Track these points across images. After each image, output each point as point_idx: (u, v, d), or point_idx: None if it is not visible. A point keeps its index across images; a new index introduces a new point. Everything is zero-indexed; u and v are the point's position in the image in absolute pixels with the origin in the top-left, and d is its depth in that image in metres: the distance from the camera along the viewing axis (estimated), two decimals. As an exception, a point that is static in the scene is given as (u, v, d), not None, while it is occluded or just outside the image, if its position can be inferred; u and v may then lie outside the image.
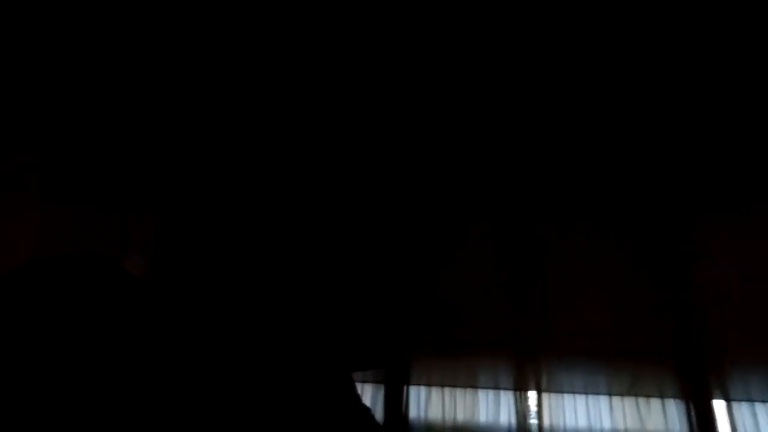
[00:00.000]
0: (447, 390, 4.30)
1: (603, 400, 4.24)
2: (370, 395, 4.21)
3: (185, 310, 0.55)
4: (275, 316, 0.54)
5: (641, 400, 4.15)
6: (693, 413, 3.89)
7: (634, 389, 4.04)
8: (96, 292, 0.47)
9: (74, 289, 0.46)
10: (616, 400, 4.20)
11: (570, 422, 4.16)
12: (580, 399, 4.27)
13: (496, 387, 4.25)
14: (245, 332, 0.54)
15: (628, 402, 4.22)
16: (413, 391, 4.26)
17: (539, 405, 4.18)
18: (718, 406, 4.02)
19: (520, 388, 4.15)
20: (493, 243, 2.78)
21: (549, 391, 4.17)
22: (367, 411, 0.63)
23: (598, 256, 2.84)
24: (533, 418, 4.14)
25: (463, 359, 3.85)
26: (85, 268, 0.50)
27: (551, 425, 4.11)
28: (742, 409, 4.11)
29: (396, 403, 4.08)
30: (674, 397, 4.05)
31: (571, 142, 2.48)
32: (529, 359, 3.84)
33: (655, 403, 4.15)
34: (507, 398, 4.28)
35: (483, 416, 4.24)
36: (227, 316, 0.54)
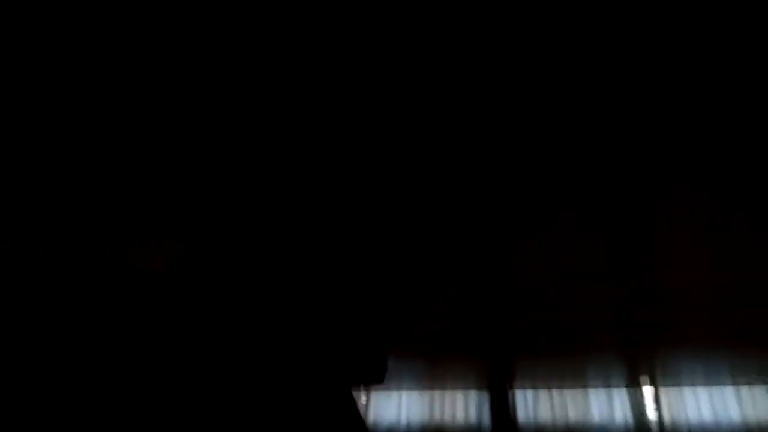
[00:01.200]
0: (555, 391, 4.12)
1: (728, 390, 3.92)
2: (474, 401, 4.10)
3: (192, 315, 0.56)
4: (279, 328, 0.56)
5: (773, 388, 3.80)
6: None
7: (763, 376, 3.70)
8: (104, 298, 0.49)
9: (83, 295, 0.48)
10: (743, 389, 3.88)
11: (693, 416, 3.87)
12: (703, 391, 3.97)
13: (608, 384, 4.02)
14: (250, 340, 0.56)
15: (758, 391, 3.88)
16: (519, 394, 4.11)
17: (657, 400, 3.93)
18: None
19: (634, 384, 3.92)
20: (594, 229, 2.60)
21: (666, 384, 3.90)
22: (362, 424, 0.65)
23: (713, 230, 2.57)
24: (652, 414, 3.89)
25: (570, 357, 3.66)
26: (94, 275, 0.52)
27: (672, 421, 3.85)
28: None
29: (503, 408, 3.95)
30: (812, 381, 3.67)
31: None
32: (643, 352, 3.59)
33: (790, 386, 3.79)
34: (620, 395, 4.05)
35: (596, 415, 4.03)
36: (234, 324, 0.56)
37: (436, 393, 4.27)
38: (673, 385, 3.90)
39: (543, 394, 4.12)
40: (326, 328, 0.61)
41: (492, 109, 1.83)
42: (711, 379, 3.78)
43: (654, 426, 3.84)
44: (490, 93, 1.73)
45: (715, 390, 3.91)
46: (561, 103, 1.99)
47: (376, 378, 0.67)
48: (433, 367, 3.84)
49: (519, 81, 1.74)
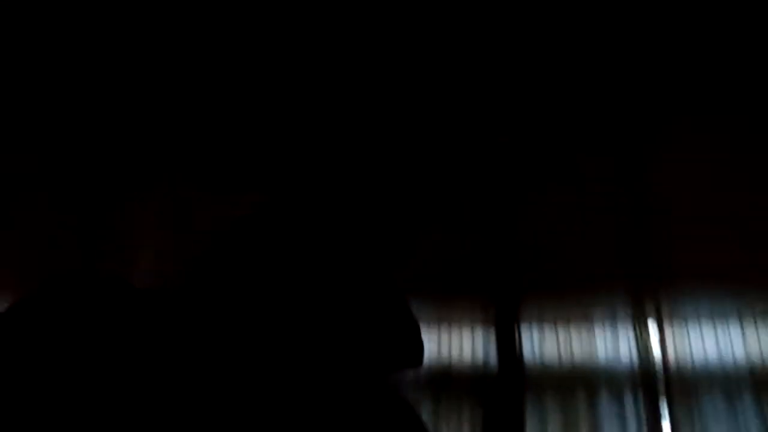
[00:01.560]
0: (561, 328, 4.17)
1: (734, 327, 3.95)
2: (481, 338, 4.16)
3: (199, 322, 0.55)
4: (294, 325, 0.54)
5: (779, 325, 3.82)
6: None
7: (769, 313, 3.71)
8: (108, 310, 0.49)
9: (89, 307, 0.48)
10: (749, 326, 3.90)
11: (698, 353, 3.92)
12: (708, 327, 4.00)
13: (614, 321, 4.06)
14: (262, 339, 0.54)
15: (763, 328, 3.90)
16: (525, 331, 4.16)
17: (662, 337, 3.97)
18: None
19: (639, 321, 3.95)
20: (593, 161, 2.56)
21: (672, 321, 3.94)
22: (405, 404, 0.62)
23: (718, 154, 2.50)
24: (656, 351, 3.94)
25: (575, 293, 3.69)
26: (98, 288, 0.52)
27: (677, 358, 3.90)
28: None
29: (509, 345, 4.01)
30: (819, 318, 3.68)
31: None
32: (648, 287, 3.61)
33: (796, 324, 3.80)
34: (626, 332, 4.09)
35: (602, 352, 4.08)
36: (241, 324, 0.55)
37: (443, 331, 4.33)
38: (678, 322, 3.93)
39: (549, 330, 4.17)
40: (344, 312, 0.57)
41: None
42: (716, 316, 3.80)
43: (659, 363, 3.89)
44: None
45: (720, 327, 3.94)
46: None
47: (413, 359, 0.58)
48: (440, 305, 3.88)
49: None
